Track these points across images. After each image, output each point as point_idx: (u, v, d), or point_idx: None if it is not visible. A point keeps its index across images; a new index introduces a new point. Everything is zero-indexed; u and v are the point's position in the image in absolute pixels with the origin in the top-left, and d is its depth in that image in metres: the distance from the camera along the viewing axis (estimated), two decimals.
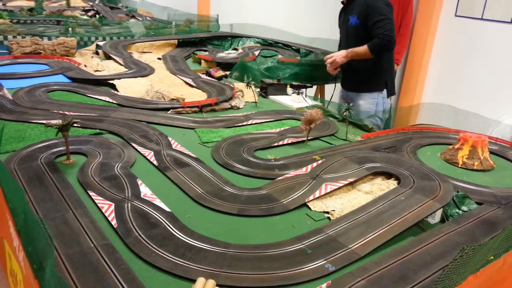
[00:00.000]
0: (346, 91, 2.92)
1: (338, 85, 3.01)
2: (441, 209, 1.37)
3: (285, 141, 1.89)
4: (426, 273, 1.07)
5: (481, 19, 4.10)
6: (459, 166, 1.80)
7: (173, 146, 1.73)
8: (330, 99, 2.90)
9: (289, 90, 2.72)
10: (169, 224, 1.19)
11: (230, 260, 1.06)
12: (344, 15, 2.77)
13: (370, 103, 2.81)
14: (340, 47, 2.93)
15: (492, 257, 1.12)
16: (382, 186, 1.51)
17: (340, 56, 2.63)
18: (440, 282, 0.97)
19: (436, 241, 1.21)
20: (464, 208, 1.43)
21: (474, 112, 2.77)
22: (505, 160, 1.92)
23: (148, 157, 1.63)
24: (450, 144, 1.92)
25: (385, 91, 2.83)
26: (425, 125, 2.35)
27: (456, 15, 4.34)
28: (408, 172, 1.58)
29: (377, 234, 1.21)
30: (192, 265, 1.03)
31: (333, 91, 2.95)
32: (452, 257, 1.04)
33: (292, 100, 2.59)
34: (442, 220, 1.38)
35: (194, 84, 2.69)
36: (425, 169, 1.62)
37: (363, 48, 2.62)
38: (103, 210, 1.24)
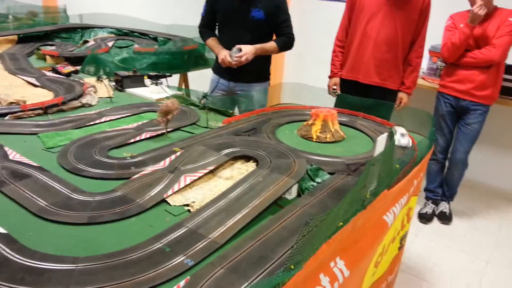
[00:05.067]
0: (233, 82, 2.79)
1: (208, 76, 2.92)
2: (297, 184, 1.43)
3: (143, 136, 1.80)
4: (283, 249, 1.10)
5: None
6: (314, 140, 1.91)
7: (11, 157, 1.52)
8: (212, 91, 2.81)
9: (147, 81, 2.61)
10: (3, 247, 1.04)
11: (79, 275, 0.96)
12: (239, 4, 2.61)
13: (263, 92, 2.81)
14: (203, 34, 2.83)
15: (341, 223, 1.20)
16: (241, 170, 1.53)
17: (251, 53, 2.53)
18: (292, 257, 1.00)
19: (292, 216, 1.26)
20: (318, 179, 1.51)
21: (324, 88, 2.99)
22: (354, 130, 2.10)
23: None
24: (306, 121, 2.03)
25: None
26: (283, 104, 2.45)
27: None
28: (265, 153, 1.63)
29: (236, 219, 1.22)
30: None
31: (217, 82, 2.84)
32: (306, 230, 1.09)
33: (151, 91, 2.49)
34: (299, 195, 1.44)
35: (38, 84, 2.42)
36: (281, 148, 1.69)
37: (272, 46, 2.63)
38: None
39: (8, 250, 1.03)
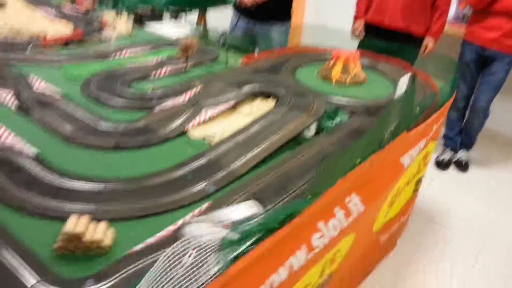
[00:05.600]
0: (253, 21, 2.70)
1: (227, 14, 2.84)
2: (316, 123, 1.44)
3: (163, 71, 1.81)
4: (301, 182, 1.14)
5: None
6: (334, 82, 1.89)
7: (36, 85, 1.56)
8: (231, 29, 2.74)
9: (166, 17, 2.57)
10: (36, 167, 1.09)
11: (107, 194, 1.02)
12: None
13: (284, 33, 2.72)
14: None
15: (358, 160, 1.22)
16: (261, 106, 1.54)
17: None
18: (310, 188, 1.04)
19: (310, 152, 1.29)
20: (337, 119, 1.52)
21: (347, 31, 2.92)
22: (375, 73, 2.07)
23: (7, 100, 1.45)
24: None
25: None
26: (304, 46, 2.41)
27: None
28: (285, 91, 1.63)
29: (256, 152, 1.24)
30: (65, 205, 0.97)
31: (237, 21, 2.76)
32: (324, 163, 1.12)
33: (170, 28, 2.46)
34: (317, 133, 1.46)
35: (57, 17, 2.41)
36: (301, 87, 1.69)
37: None
38: None
39: (40, 169, 1.08)
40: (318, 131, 1.46)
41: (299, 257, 1.01)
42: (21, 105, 1.41)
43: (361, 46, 2.85)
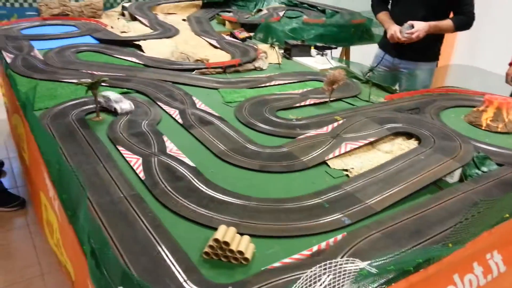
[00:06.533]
0: (397, 58, 2.67)
1: (373, 49, 2.87)
2: (460, 169, 1.38)
3: (308, 102, 1.91)
4: (440, 228, 1.10)
5: None
6: (483, 128, 1.78)
7: (197, 105, 1.78)
8: (376, 65, 2.76)
9: (313, 51, 2.70)
10: (193, 177, 1.25)
11: (251, 211, 1.11)
12: None
13: (429, 73, 2.66)
14: (375, 8, 2.76)
15: (507, 215, 1.14)
16: (402, 146, 1.53)
17: (423, 31, 2.38)
18: (452, 236, 1.00)
19: (453, 199, 1.23)
20: (484, 168, 1.43)
21: (501, 75, 2.71)
22: None
23: (174, 116, 1.68)
24: (475, 107, 1.90)
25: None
26: (451, 87, 2.31)
27: None
28: (429, 133, 1.59)
29: (394, 191, 1.24)
30: (214, 215, 1.09)
31: (381, 57, 2.75)
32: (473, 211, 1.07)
33: (316, 61, 2.58)
34: (461, 180, 1.39)
35: (218, 46, 2.71)
36: (447, 130, 1.63)
37: (448, 24, 2.45)
38: (132, 164, 1.31)
39: (196, 180, 1.24)
40: (463, 178, 1.39)
41: None
42: (184, 122, 1.62)
43: None
